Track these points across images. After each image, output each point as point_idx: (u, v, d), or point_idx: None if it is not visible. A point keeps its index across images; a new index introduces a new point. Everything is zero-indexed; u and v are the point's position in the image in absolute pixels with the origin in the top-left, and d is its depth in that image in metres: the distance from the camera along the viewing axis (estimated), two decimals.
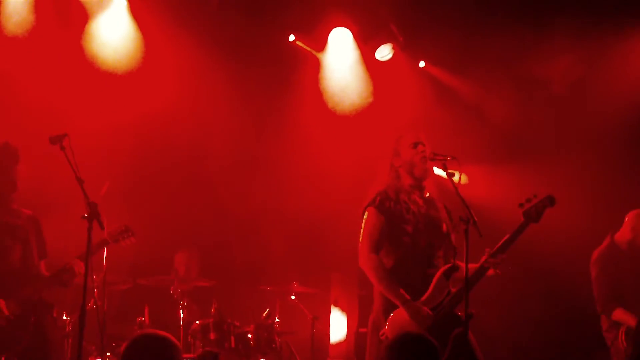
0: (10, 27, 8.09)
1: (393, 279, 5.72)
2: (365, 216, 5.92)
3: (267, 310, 8.27)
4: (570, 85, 9.11)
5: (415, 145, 5.92)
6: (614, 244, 7.51)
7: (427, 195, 6.00)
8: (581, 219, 8.49)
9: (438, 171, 6.07)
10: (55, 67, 8.22)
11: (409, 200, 5.87)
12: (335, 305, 10.01)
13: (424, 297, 5.65)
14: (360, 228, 5.93)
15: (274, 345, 8.02)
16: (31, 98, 7.90)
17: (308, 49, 9.44)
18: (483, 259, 5.59)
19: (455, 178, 5.52)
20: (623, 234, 7.50)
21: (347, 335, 9.85)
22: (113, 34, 8.64)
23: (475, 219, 5.33)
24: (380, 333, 5.71)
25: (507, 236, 5.63)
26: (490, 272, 5.62)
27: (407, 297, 5.63)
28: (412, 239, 5.79)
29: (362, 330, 9.00)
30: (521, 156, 9.33)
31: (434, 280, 5.68)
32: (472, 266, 5.50)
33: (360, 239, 5.88)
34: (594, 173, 8.95)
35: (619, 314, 7.29)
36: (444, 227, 5.91)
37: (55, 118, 7.39)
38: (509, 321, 8.98)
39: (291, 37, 9.24)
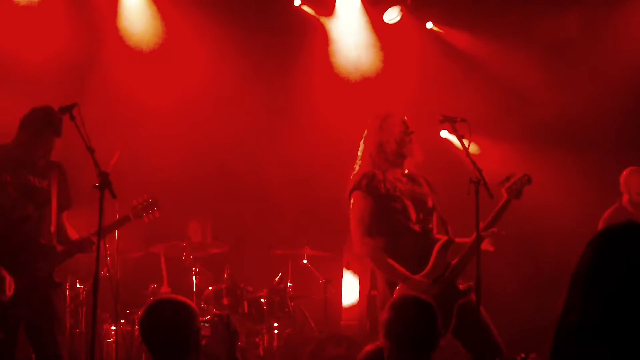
0: None
1: (389, 259, 5.70)
2: (352, 200, 5.86)
3: (280, 274, 8.32)
4: (581, 46, 9.06)
5: (404, 122, 5.90)
6: (622, 207, 7.55)
7: (406, 171, 5.97)
8: (589, 193, 8.47)
9: (446, 134, 6.06)
10: (65, 38, 8.24)
11: (394, 179, 5.85)
12: (348, 269, 10.05)
13: (424, 272, 5.66)
14: (349, 213, 5.88)
15: (286, 310, 8.08)
16: (42, 68, 7.92)
17: (313, 12, 9.39)
18: (474, 235, 5.60)
19: (465, 140, 5.50)
20: (623, 196, 7.57)
21: (359, 298, 9.90)
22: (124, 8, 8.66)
23: (486, 179, 5.35)
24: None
25: (493, 213, 5.65)
26: (485, 246, 5.61)
27: (407, 273, 5.63)
28: (403, 216, 5.78)
29: (374, 293, 9.05)
30: (529, 113, 9.29)
31: (434, 253, 5.68)
32: (465, 240, 5.62)
33: (352, 226, 5.82)
34: (603, 134, 8.90)
35: None
36: (430, 201, 5.91)
37: (65, 88, 7.39)
38: (518, 294, 8.99)
39: (297, 2, 9.20)
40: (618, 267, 2.29)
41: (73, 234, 6.16)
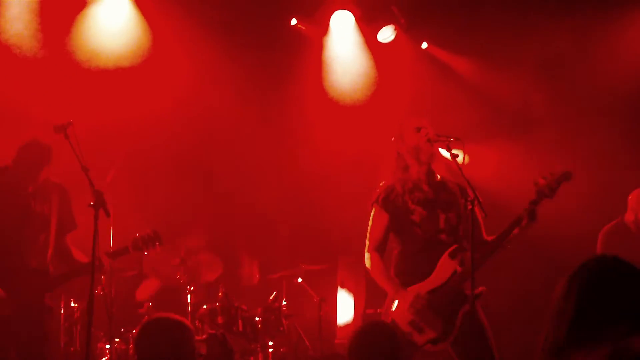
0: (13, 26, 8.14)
1: (387, 273, 5.89)
2: (372, 213, 6.05)
3: (274, 293, 8.31)
4: (574, 61, 9.08)
5: (418, 129, 5.91)
6: (623, 224, 7.46)
7: (438, 178, 6.00)
8: (591, 195, 8.45)
9: (442, 152, 6.06)
10: (55, 57, 8.26)
11: (415, 189, 5.89)
12: (342, 287, 10.03)
13: (428, 279, 5.70)
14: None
15: (281, 328, 8.06)
16: (34, 88, 7.93)
17: (308, 31, 9.42)
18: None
19: (459, 159, 5.51)
20: (628, 215, 7.46)
21: (354, 317, 9.87)
22: (113, 22, 8.66)
23: (480, 199, 5.38)
24: (388, 315, 5.78)
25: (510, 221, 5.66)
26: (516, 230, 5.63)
27: (397, 287, 5.77)
28: (420, 229, 5.83)
29: (369, 311, 9.05)
30: (527, 133, 9.30)
31: (440, 261, 5.71)
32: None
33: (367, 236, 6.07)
34: (601, 148, 8.90)
35: None
36: (454, 210, 5.92)
37: (58, 107, 7.40)
38: (519, 301, 8.96)
39: (293, 21, 9.23)
40: (590, 295, 2.61)
41: (80, 256, 6.17)
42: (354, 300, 9.93)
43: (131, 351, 7.32)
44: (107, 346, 7.42)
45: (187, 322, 4.15)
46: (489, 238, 5.76)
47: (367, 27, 9.41)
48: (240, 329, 7.86)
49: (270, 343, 8.03)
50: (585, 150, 8.81)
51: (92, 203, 5.26)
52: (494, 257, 5.74)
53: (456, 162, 5.50)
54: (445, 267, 5.71)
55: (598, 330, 2.50)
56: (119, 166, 6.65)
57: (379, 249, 5.99)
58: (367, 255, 6.00)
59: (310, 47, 9.46)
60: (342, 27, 9.36)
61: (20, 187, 5.98)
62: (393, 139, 6.05)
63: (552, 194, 5.59)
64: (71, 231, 6.20)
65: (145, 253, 6.26)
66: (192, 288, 8.03)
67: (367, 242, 6.03)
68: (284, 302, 8.37)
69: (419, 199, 5.87)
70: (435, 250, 5.78)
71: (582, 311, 2.55)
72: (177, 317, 4.13)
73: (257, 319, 7.95)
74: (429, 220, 5.83)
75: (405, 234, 5.90)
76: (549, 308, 2.67)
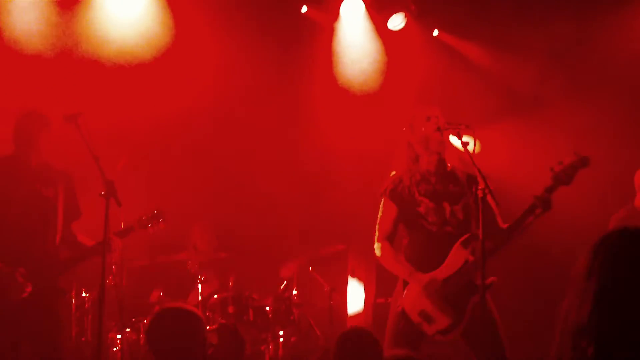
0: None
1: (399, 258, 5.89)
2: (381, 204, 6.07)
3: (285, 282, 8.31)
4: (586, 45, 9.03)
5: (428, 118, 5.89)
6: (634, 208, 7.37)
7: (449, 167, 5.97)
8: (605, 182, 8.39)
9: (453, 140, 6.03)
10: (68, 48, 8.28)
11: (423, 181, 5.88)
12: (353, 276, 10.03)
13: (439, 268, 5.68)
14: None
15: (292, 318, 8.07)
16: (46, 76, 7.93)
17: (318, 19, 9.40)
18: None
19: (470, 147, 5.48)
20: (638, 199, 7.37)
21: (365, 306, 9.87)
22: (128, 11, 8.65)
23: (492, 187, 5.34)
24: (397, 304, 5.76)
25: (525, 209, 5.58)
26: (530, 219, 5.52)
27: (411, 269, 5.76)
28: (427, 221, 5.82)
29: (380, 300, 9.04)
30: (539, 120, 9.25)
31: (452, 250, 5.69)
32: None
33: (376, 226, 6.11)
34: (615, 126, 8.86)
35: None
36: (461, 201, 5.89)
37: (70, 98, 7.40)
38: (530, 292, 8.94)
39: (304, 9, 9.21)
40: (615, 270, 2.44)
41: (87, 241, 6.19)
42: (365, 290, 9.93)
43: (142, 341, 7.33)
44: (118, 336, 7.45)
45: (198, 311, 4.15)
46: (505, 226, 5.69)
47: (378, 14, 9.38)
48: (251, 318, 7.88)
49: (281, 332, 8.05)
50: (599, 136, 8.76)
51: (103, 192, 5.27)
52: (506, 247, 5.71)
53: (467, 150, 5.46)
54: (457, 256, 5.69)
55: (624, 308, 2.36)
56: (130, 155, 6.64)
57: (389, 239, 6.00)
58: (377, 245, 6.01)
59: (321, 35, 9.43)
60: (353, 14, 9.33)
61: (25, 164, 5.98)
62: (404, 129, 6.04)
63: (569, 180, 5.43)
64: (76, 219, 6.21)
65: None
66: (203, 277, 8.03)
67: (377, 233, 6.04)
68: (294, 292, 8.38)
69: (426, 191, 5.86)
70: (442, 242, 5.76)
71: (606, 288, 2.40)
72: (188, 306, 4.13)
73: (267, 308, 7.97)
74: (435, 212, 5.81)
75: (412, 225, 5.90)
76: (569, 286, 2.51)
